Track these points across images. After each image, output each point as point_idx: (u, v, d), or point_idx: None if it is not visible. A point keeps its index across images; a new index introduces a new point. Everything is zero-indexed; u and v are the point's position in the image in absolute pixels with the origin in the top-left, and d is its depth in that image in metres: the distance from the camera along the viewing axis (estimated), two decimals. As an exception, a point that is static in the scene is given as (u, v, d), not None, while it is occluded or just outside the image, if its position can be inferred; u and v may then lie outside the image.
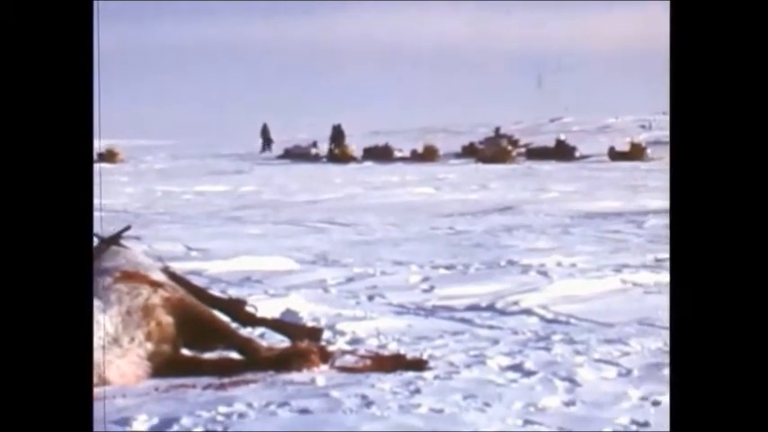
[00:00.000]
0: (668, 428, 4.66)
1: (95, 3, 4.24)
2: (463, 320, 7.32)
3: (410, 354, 6.15)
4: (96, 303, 5.57)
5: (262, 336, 6.50)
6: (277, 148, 49.58)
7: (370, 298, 8.30)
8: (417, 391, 5.30)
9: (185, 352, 5.89)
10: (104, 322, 5.60)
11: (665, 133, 49.70)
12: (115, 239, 6.46)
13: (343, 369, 5.82)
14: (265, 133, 52.35)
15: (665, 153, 39.18)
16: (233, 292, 7.85)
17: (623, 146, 41.83)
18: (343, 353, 6.19)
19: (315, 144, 46.65)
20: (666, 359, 5.91)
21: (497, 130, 48.81)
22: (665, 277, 9.14)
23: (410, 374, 5.64)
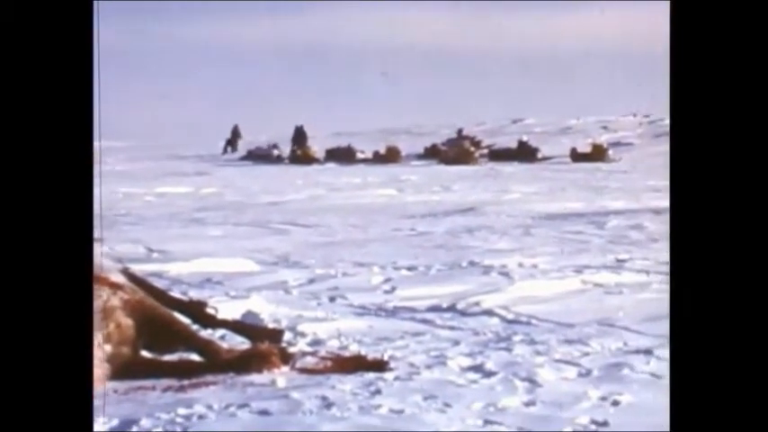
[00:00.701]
0: (627, 429, 4.70)
1: (95, 3, 4.24)
2: (424, 321, 7.32)
3: (371, 355, 6.15)
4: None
5: (222, 337, 6.49)
6: (239, 150, 49.37)
7: (332, 299, 8.30)
8: (378, 391, 5.31)
9: (145, 354, 5.87)
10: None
11: (626, 134, 49.95)
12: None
13: (304, 370, 5.81)
14: (235, 134, 52.04)
15: (626, 154, 39.26)
16: (194, 294, 7.82)
17: (585, 147, 41.95)
18: (304, 354, 6.18)
19: (276, 146, 46.51)
20: (626, 359, 5.96)
21: (460, 131, 48.84)
22: (625, 278, 9.20)
23: (371, 375, 5.64)
